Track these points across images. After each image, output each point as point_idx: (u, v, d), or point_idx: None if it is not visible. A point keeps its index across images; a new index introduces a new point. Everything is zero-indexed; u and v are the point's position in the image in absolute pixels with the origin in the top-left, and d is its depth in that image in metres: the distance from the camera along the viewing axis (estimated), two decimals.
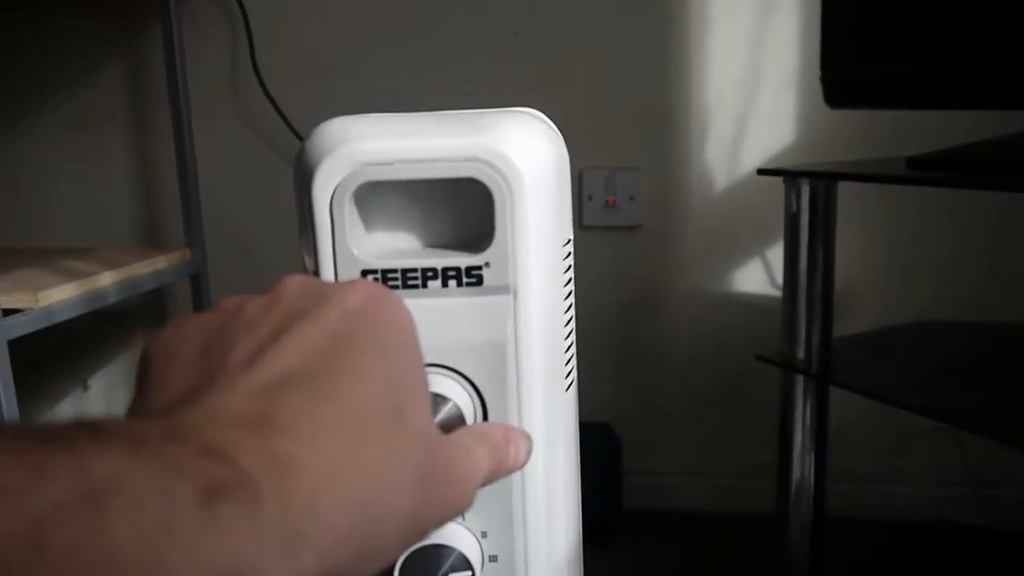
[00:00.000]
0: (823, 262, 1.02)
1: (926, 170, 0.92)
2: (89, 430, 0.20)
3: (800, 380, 1.06)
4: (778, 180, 1.02)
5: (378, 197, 0.48)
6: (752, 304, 1.40)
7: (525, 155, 0.45)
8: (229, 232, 1.51)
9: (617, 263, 1.42)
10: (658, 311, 1.43)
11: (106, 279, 1.22)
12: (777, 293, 1.39)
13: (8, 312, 1.07)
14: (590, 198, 1.39)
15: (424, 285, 0.46)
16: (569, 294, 0.52)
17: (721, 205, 1.37)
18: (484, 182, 0.44)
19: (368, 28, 1.42)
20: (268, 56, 1.44)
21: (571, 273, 0.53)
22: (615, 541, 1.39)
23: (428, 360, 0.45)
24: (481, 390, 0.46)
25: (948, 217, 1.33)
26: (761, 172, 1.03)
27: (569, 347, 0.52)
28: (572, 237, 0.53)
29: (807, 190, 0.99)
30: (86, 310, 1.18)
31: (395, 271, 0.46)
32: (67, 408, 1.66)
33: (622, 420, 1.45)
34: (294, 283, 0.30)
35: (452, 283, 0.46)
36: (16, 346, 1.05)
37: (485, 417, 0.46)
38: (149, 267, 1.30)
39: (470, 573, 0.45)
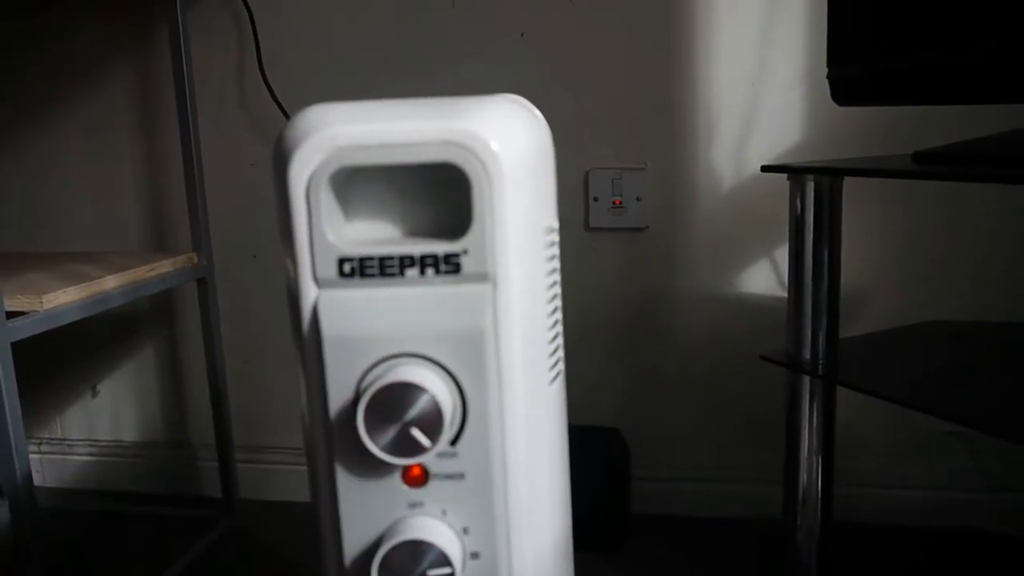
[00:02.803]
0: (829, 260, 1.00)
1: (932, 164, 0.90)
2: None
3: (806, 381, 1.04)
4: (785, 179, 1.01)
5: (357, 185, 0.47)
6: (760, 305, 1.38)
7: (503, 139, 0.44)
8: (236, 236, 1.51)
9: (624, 265, 1.40)
10: (666, 313, 1.41)
11: (111, 282, 1.22)
12: (785, 294, 1.37)
13: (12, 315, 1.07)
14: (596, 199, 1.38)
15: (401, 273, 0.45)
16: (554, 284, 0.51)
17: (728, 205, 1.36)
18: (460, 166, 0.43)
19: (374, 31, 1.42)
20: (275, 59, 1.44)
21: (556, 263, 0.52)
22: (624, 547, 1.37)
23: (407, 350, 0.45)
24: (460, 381, 0.45)
25: (955, 217, 1.31)
26: (765, 169, 1.02)
27: (554, 338, 0.51)
28: (557, 226, 0.52)
29: (812, 186, 0.98)
30: (91, 313, 1.18)
31: (372, 259, 0.45)
32: (75, 414, 1.66)
33: (630, 425, 1.44)
34: None
35: (430, 271, 0.45)
36: (23, 351, 1.05)
37: (464, 408, 0.45)
38: (155, 271, 1.30)
39: (450, 571, 0.44)
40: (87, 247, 1.57)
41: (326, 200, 0.45)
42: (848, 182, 0.99)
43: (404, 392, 0.43)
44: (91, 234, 1.58)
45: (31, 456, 1.65)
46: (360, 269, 0.45)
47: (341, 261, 0.45)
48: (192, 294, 1.52)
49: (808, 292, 1.01)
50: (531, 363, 0.48)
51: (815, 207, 0.98)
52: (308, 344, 0.46)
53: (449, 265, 0.45)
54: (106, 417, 1.66)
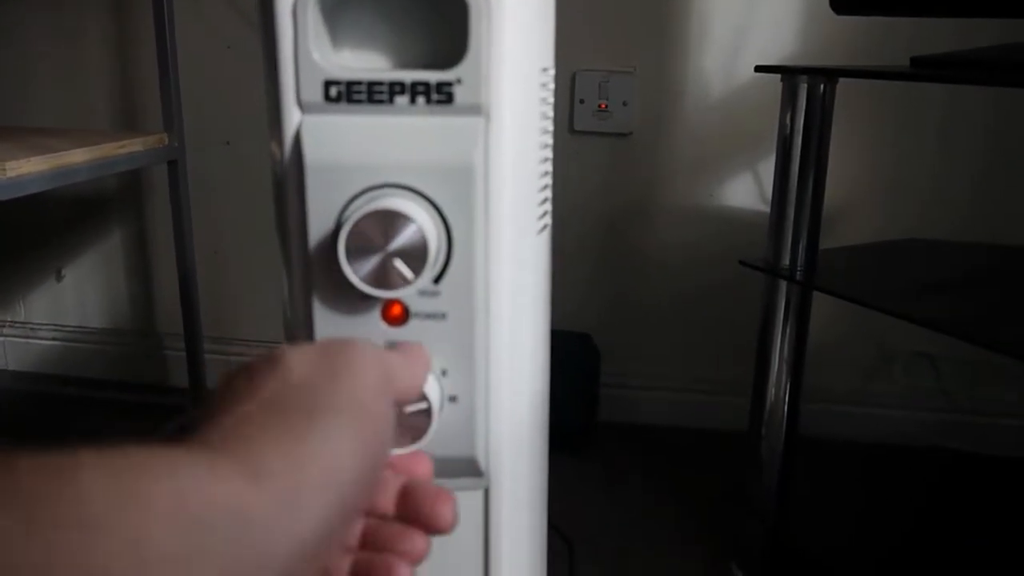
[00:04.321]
0: (816, 166, 0.99)
1: (930, 68, 0.88)
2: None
3: (783, 288, 1.04)
4: (775, 87, 0.99)
5: (347, 11, 0.44)
6: (740, 219, 1.37)
7: None
8: (209, 122, 1.47)
9: (606, 171, 1.39)
10: (645, 221, 1.40)
11: (78, 156, 1.18)
12: (766, 208, 1.36)
13: None
14: (582, 102, 1.35)
15: (391, 100, 0.43)
16: (547, 131, 0.49)
17: (716, 114, 1.34)
18: None
19: None
20: None
21: (550, 109, 0.50)
22: (588, 451, 1.38)
23: (392, 181, 0.43)
24: (446, 216, 0.43)
25: (948, 137, 1.31)
26: (759, 69, 1.00)
27: (544, 188, 0.49)
28: (553, 72, 0.50)
29: (805, 89, 0.96)
30: (56, 185, 1.14)
31: (360, 83, 0.43)
32: (39, 297, 1.63)
33: (603, 330, 1.44)
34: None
35: (420, 100, 0.43)
36: None
37: (450, 245, 0.44)
38: (124, 148, 1.26)
39: (426, 405, 0.43)
40: (54, 126, 1.52)
41: (314, 21, 0.43)
42: (841, 94, 0.97)
43: (389, 220, 0.41)
44: (60, 114, 1.53)
45: None
46: (347, 94, 0.43)
47: (327, 84, 0.43)
48: (160, 181, 1.48)
49: (792, 198, 1.00)
50: (520, 205, 0.46)
51: (807, 110, 0.97)
52: (288, 172, 0.44)
53: (441, 94, 0.43)
54: (72, 302, 1.63)
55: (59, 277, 1.62)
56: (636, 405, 1.48)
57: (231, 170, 1.49)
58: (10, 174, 1.07)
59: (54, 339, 1.65)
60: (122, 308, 1.62)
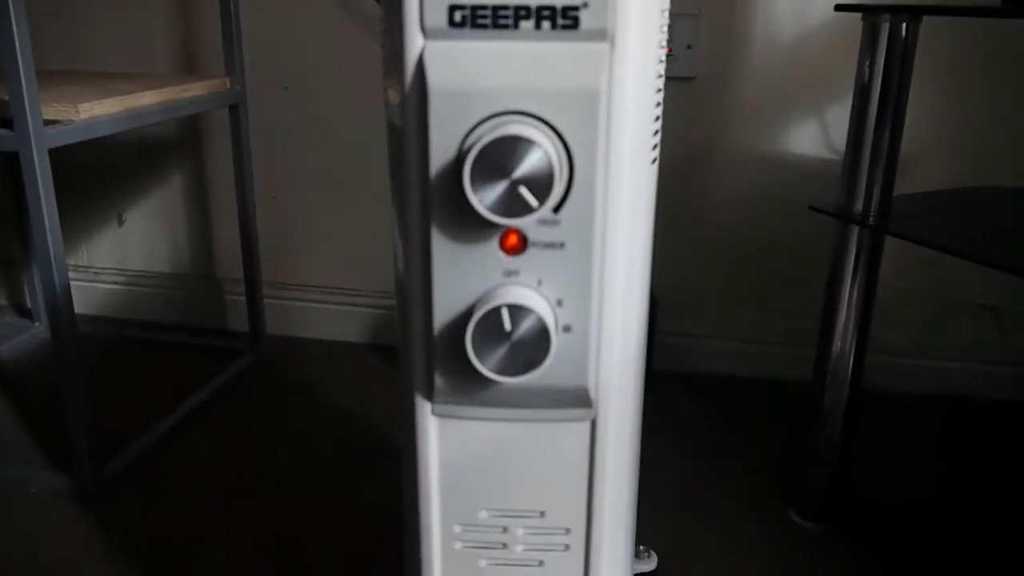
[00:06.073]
0: (894, 110, 0.97)
1: (1021, 5, 0.86)
2: None
3: (855, 234, 1.02)
4: (848, 31, 0.97)
5: None
6: (805, 165, 1.35)
7: None
8: (270, 68, 1.47)
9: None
10: (707, 167, 1.39)
11: (147, 98, 1.19)
12: (832, 156, 1.34)
13: (48, 123, 1.04)
14: None
15: (516, 25, 0.43)
16: (662, 59, 0.48)
17: (783, 59, 1.31)
18: None
19: None
20: None
21: (666, 37, 0.49)
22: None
23: (516, 107, 0.43)
24: (569, 144, 0.43)
25: (1021, 81, 1.27)
26: (839, 8, 0.97)
27: (657, 118, 0.49)
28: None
29: (886, 28, 0.93)
30: (127, 128, 1.15)
31: (485, 7, 0.42)
32: (101, 242, 1.66)
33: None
34: None
35: (546, 24, 0.42)
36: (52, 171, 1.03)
37: (571, 173, 0.44)
38: (188, 92, 1.27)
39: (543, 326, 0.44)
40: (117, 70, 1.53)
41: None
42: (921, 35, 0.94)
43: (516, 146, 0.41)
44: (121, 58, 1.54)
45: None
46: (471, 19, 0.42)
47: (452, 8, 0.42)
48: (221, 124, 1.49)
49: (868, 142, 0.99)
50: (639, 135, 0.46)
51: (887, 52, 0.95)
52: (408, 99, 0.44)
53: (567, 19, 0.42)
54: (134, 247, 1.65)
55: (120, 222, 1.64)
56: (694, 353, 1.48)
57: (290, 115, 1.50)
58: (83, 116, 1.08)
59: (115, 283, 1.68)
60: (183, 253, 1.64)
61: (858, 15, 0.96)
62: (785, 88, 1.32)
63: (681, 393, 1.42)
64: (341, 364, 1.52)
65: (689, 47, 1.32)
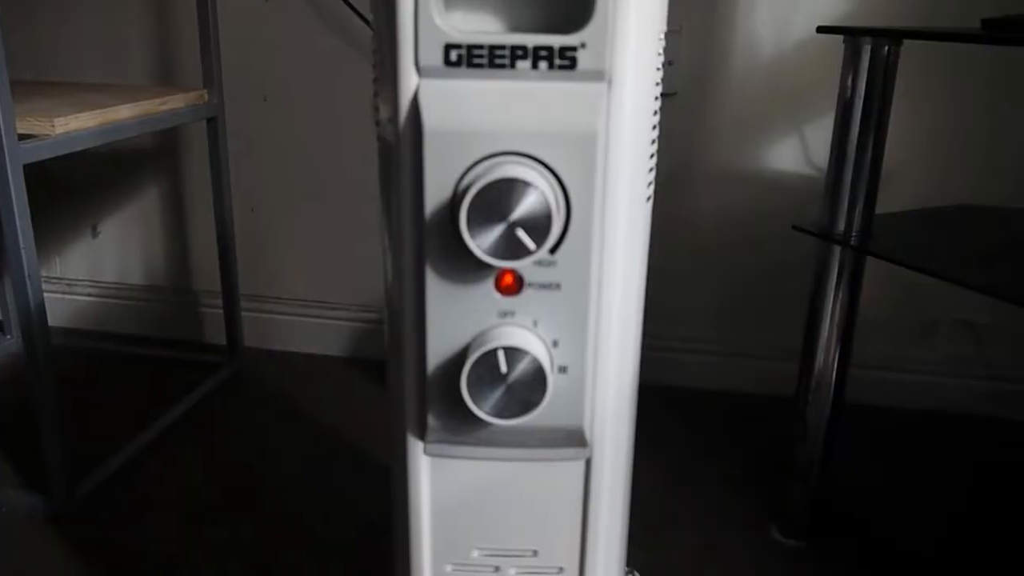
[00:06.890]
0: (875, 131, 0.98)
1: (1001, 31, 0.86)
2: None
3: (836, 253, 1.03)
4: (828, 49, 0.97)
5: None
6: (785, 181, 1.36)
7: None
8: (247, 78, 1.45)
9: None
10: (688, 182, 1.39)
11: (124, 112, 1.17)
12: (812, 172, 1.35)
13: (23, 138, 1.02)
14: None
15: (512, 65, 0.42)
16: (658, 97, 0.48)
17: (764, 76, 1.32)
18: None
19: None
20: None
21: (661, 74, 0.49)
22: None
23: (512, 148, 0.42)
24: (567, 185, 0.43)
25: (996, 103, 1.29)
26: (821, 30, 0.98)
27: (653, 155, 0.49)
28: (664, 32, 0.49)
29: (868, 51, 0.94)
30: (103, 142, 1.13)
31: (481, 47, 0.42)
32: (75, 253, 1.63)
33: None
34: None
35: (543, 64, 0.42)
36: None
37: (568, 214, 0.43)
38: (165, 105, 1.25)
39: (539, 365, 0.43)
40: (91, 81, 1.50)
41: None
42: (902, 55, 0.95)
43: (513, 189, 0.41)
44: (98, 69, 1.51)
45: None
46: (468, 58, 0.42)
47: (448, 48, 0.42)
48: (198, 134, 1.47)
49: (850, 162, 0.99)
50: (636, 174, 0.45)
51: (869, 74, 0.95)
52: (402, 137, 0.43)
53: (564, 59, 0.42)
54: (109, 258, 1.63)
55: (95, 233, 1.62)
56: (675, 367, 1.48)
57: (269, 126, 1.48)
58: (59, 130, 1.06)
59: (90, 295, 1.65)
60: (159, 265, 1.61)
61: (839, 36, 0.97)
62: (764, 104, 1.33)
63: (662, 407, 1.42)
64: (319, 377, 1.51)
65: (670, 63, 1.32)
